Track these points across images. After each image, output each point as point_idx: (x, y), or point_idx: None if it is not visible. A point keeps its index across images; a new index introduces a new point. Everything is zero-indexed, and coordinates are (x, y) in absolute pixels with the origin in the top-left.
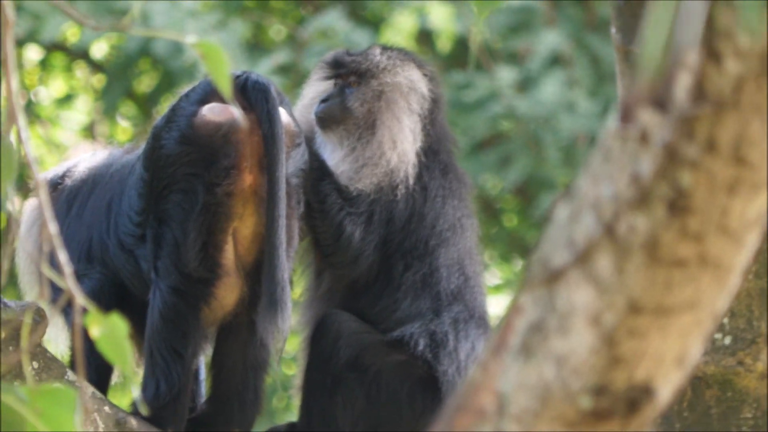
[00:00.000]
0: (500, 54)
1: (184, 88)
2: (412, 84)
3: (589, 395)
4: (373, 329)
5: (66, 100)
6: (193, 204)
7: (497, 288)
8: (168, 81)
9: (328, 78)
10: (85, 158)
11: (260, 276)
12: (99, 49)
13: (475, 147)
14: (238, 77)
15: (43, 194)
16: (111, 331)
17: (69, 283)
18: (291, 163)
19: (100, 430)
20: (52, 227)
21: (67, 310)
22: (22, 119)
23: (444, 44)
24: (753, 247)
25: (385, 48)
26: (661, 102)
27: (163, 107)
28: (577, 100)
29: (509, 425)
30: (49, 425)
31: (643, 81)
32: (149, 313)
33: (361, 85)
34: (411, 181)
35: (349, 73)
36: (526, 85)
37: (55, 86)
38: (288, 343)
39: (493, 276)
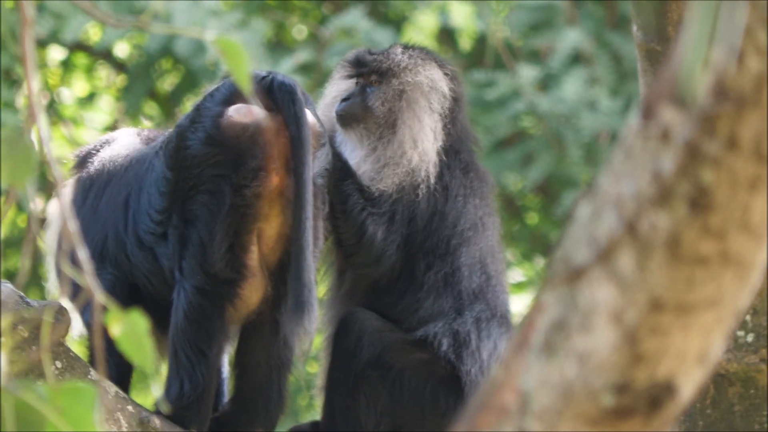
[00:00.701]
0: (522, 52)
1: (208, 88)
2: (433, 83)
3: (611, 393)
4: (396, 328)
5: (89, 99)
6: (220, 205)
7: (520, 286)
8: (190, 80)
9: (349, 77)
10: (113, 138)
11: (284, 275)
12: (121, 49)
13: (496, 145)
14: (263, 78)
15: (63, 194)
16: (131, 329)
17: (89, 281)
18: (316, 164)
19: (124, 429)
20: (72, 225)
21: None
22: (42, 118)
23: (465, 43)
24: None
25: (406, 47)
26: (682, 100)
27: (186, 106)
28: (599, 98)
29: (531, 423)
30: (70, 423)
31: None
32: (173, 313)
33: (383, 84)
34: (432, 181)
35: (370, 72)
36: (547, 83)
37: (78, 86)
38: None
39: (515, 274)
